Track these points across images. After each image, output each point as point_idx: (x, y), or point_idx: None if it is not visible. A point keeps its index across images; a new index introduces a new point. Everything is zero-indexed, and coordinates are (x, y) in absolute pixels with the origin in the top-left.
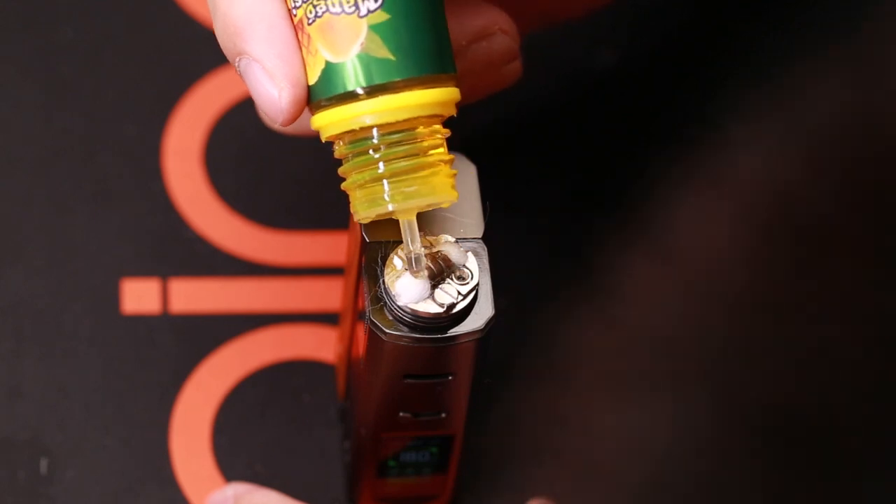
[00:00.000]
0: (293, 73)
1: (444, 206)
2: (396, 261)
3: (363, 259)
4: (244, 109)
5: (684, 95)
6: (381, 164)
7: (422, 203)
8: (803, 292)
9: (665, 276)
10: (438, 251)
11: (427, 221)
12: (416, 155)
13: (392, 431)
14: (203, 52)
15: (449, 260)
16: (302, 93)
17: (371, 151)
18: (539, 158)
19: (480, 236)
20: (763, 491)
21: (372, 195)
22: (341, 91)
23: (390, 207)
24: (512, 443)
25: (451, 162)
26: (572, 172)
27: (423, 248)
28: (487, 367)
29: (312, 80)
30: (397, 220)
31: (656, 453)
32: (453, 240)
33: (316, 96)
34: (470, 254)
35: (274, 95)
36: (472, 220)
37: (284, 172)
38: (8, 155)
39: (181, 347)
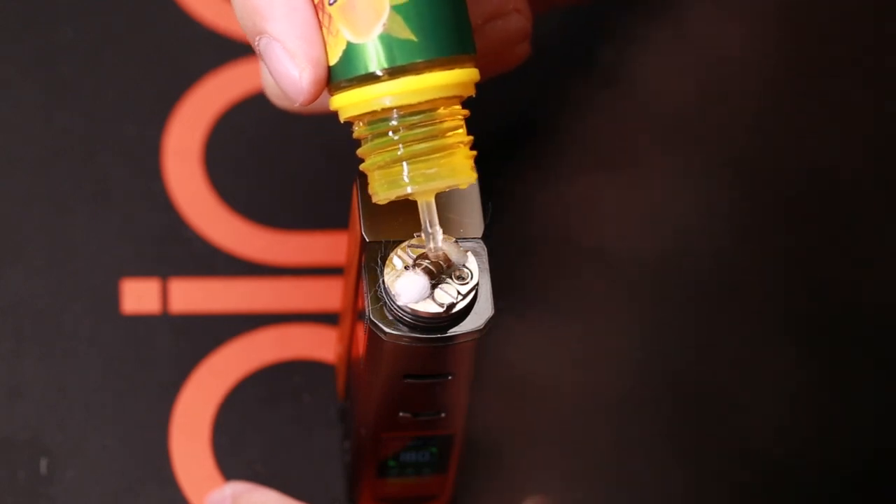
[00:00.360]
0: (314, 54)
1: (461, 186)
2: (396, 260)
3: (363, 259)
4: (244, 109)
5: (689, 94)
6: (400, 146)
7: (441, 185)
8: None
9: (666, 276)
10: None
11: None
12: (436, 137)
13: (392, 431)
14: (203, 52)
15: (449, 260)
16: (323, 73)
17: (391, 133)
18: (540, 158)
19: (480, 236)
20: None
21: (391, 177)
22: (363, 72)
23: (409, 189)
24: (512, 443)
25: (469, 143)
26: (573, 171)
27: (440, 230)
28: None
29: (333, 61)
30: (398, 218)
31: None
32: (453, 239)
33: (336, 77)
34: (470, 254)
35: (295, 75)
36: (472, 220)
37: (284, 172)
38: (8, 155)
39: (181, 347)
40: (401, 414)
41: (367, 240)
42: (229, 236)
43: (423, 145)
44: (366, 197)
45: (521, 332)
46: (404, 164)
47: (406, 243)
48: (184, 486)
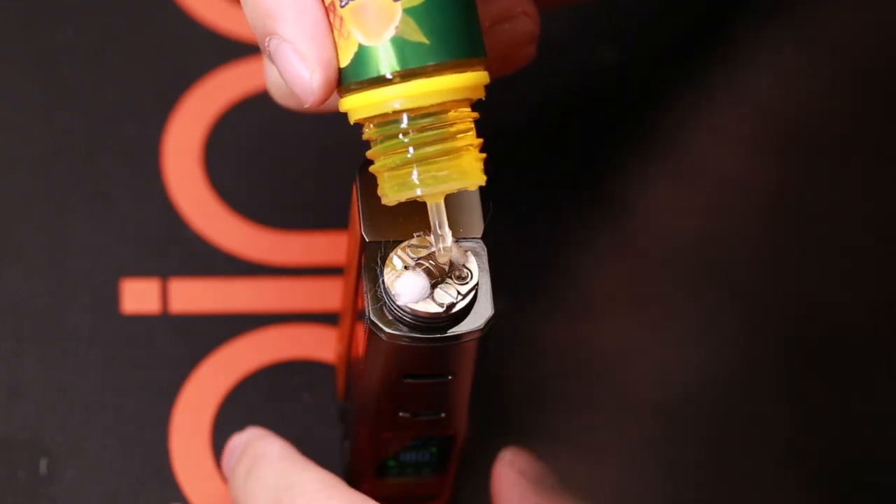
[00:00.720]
0: (325, 56)
1: (470, 188)
2: (396, 260)
3: (363, 259)
4: (244, 109)
5: (688, 96)
6: (410, 149)
7: (451, 188)
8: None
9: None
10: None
11: (427, 221)
12: (446, 139)
13: (392, 431)
14: (203, 52)
15: (449, 259)
16: (333, 75)
17: (401, 136)
18: (539, 158)
19: (480, 236)
20: (789, 398)
21: (401, 179)
22: (374, 75)
23: (419, 192)
24: (512, 442)
25: (479, 145)
26: (573, 171)
27: (450, 233)
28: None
29: (344, 63)
30: (397, 218)
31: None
32: (454, 239)
33: (346, 79)
34: (470, 253)
35: (305, 77)
36: (472, 220)
37: (284, 172)
38: (8, 155)
39: (181, 347)
40: (400, 414)
41: (367, 240)
42: (229, 236)
43: (433, 148)
44: (366, 197)
45: None
46: (414, 166)
47: (406, 243)
48: (184, 485)
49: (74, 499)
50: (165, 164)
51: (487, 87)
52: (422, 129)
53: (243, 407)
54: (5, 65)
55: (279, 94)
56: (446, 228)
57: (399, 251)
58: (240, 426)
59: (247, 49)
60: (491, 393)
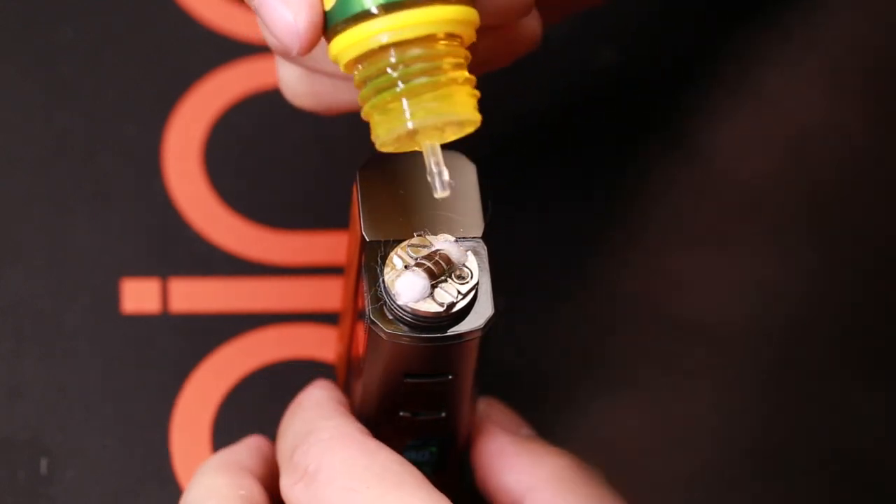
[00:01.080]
0: None
1: (468, 130)
2: (396, 260)
3: (363, 258)
4: (244, 109)
5: (689, 95)
6: (399, 83)
7: (443, 119)
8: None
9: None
10: (438, 250)
11: (426, 220)
12: (436, 71)
13: (392, 431)
14: (203, 51)
15: (449, 259)
16: (318, 17)
17: (389, 70)
18: (539, 157)
19: (480, 235)
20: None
21: (392, 115)
22: (357, 10)
23: (410, 125)
24: None
25: (473, 82)
26: (574, 171)
27: (447, 171)
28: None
29: (328, 6)
30: (398, 216)
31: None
32: (453, 239)
33: (332, 20)
34: (470, 253)
35: (290, 20)
36: (472, 220)
37: (284, 172)
38: (8, 155)
39: (181, 347)
40: (401, 413)
41: (367, 239)
42: (229, 236)
43: (422, 80)
44: (366, 196)
45: None
46: (404, 101)
47: (406, 243)
48: (184, 485)
49: (75, 499)
50: (166, 164)
51: (488, 85)
52: (410, 62)
53: (243, 407)
54: (5, 64)
55: (291, 94)
56: (443, 168)
57: (399, 250)
58: (240, 426)
59: (247, 49)
60: (492, 392)
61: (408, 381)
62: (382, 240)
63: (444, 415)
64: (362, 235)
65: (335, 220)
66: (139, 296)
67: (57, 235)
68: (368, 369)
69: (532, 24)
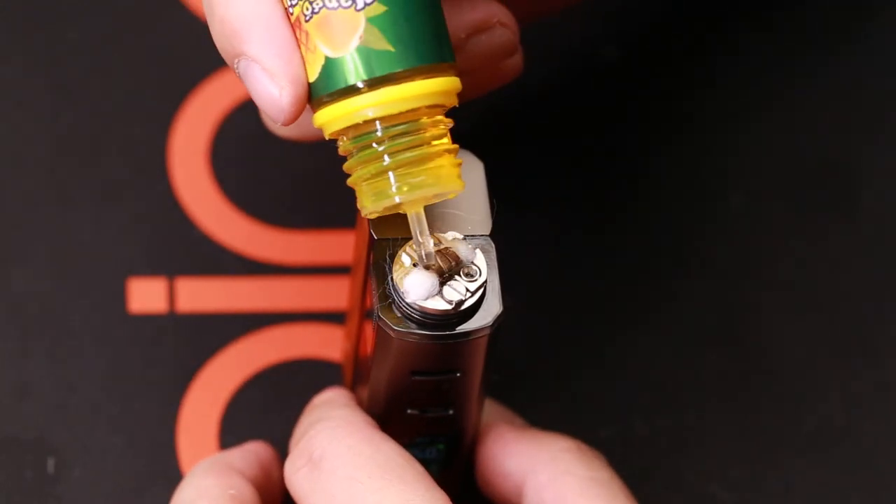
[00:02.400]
0: (293, 71)
1: (450, 196)
2: (405, 258)
3: (371, 257)
4: (250, 109)
5: (691, 90)
6: (385, 157)
7: (428, 193)
8: None
9: (671, 267)
10: (447, 248)
11: (435, 218)
12: (421, 146)
13: (400, 428)
14: (208, 51)
15: (457, 257)
16: (302, 91)
17: (375, 144)
18: (546, 154)
19: (488, 233)
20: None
21: (378, 188)
22: (342, 85)
23: (397, 199)
24: None
25: (455, 151)
26: (580, 167)
27: (432, 240)
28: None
29: (312, 78)
30: (405, 216)
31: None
32: (461, 237)
33: (317, 93)
34: (478, 251)
35: (275, 94)
36: (480, 217)
37: (290, 171)
38: (14, 155)
39: (188, 347)
40: (408, 411)
41: (376, 237)
42: (236, 235)
43: (407, 154)
44: None
45: None
46: (390, 174)
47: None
48: None
49: (81, 498)
50: (172, 164)
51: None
52: (395, 137)
53: (250, 406)
54: (11, 65)
55: (272, 124)
56: (427, 237)
57: (408, 248)
58: (247, 425)
59: None
60: (500, 390)
61: (416, 378)
62: (391, 238)
63: (451, 412)
64: (370, 234)
65: (342, 219)
66: (146, 295)
67: (63, 235)
68: (376, 367)
69: (516, 59)
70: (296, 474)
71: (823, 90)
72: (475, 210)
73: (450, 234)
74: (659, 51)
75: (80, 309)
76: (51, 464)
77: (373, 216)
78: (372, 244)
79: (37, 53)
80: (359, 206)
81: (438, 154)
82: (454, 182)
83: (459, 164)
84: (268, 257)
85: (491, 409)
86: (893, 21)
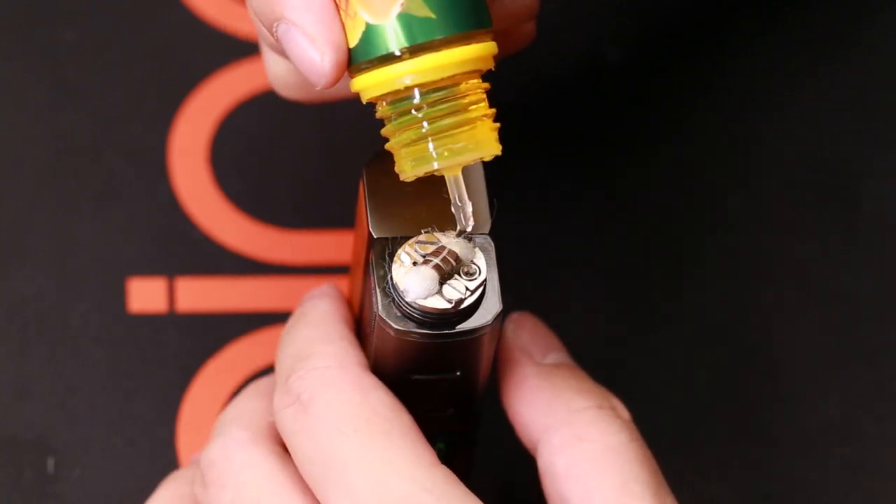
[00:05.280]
0: (334, 37)
1: (487, 158)
2: (404, 257)
3: (371, 255)
4: (250, 108)
5: (692, 91)
6: (424, 123)
7: (468, 158)
8: None
9: (671, 267)
10: (446, 247)
11: (434, 217)
12: (459, 111)
13: None
14: (208, 51)
15: (457, 255)
16: (343, 56)
17: (414, 111)
18: (546, 153)
19: (488, 232)
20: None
21: (418, 154)
22: (383, 52)
23: (436, 165)
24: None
25: (492, 115)
26: (580, 167)
27: (470, 204)
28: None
29: (352, 43)
30: (404, 214)
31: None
32: (461, 235)
33: (356, 59)
34: (478, 249)
35: (316, 59)
36: (480, 216)
37: (290, 171)
38: (14, 155)
39: (188, 346)
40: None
41: (375, 236)
42: (236, 235)
43: (447, 121)
44: (373, 193)
45: None
46: (429, 140)
47: (414, 239)
48: None
49: (81, 498)
50: (172, 163)
51: (491, 79)
52: (434, 103)
53: None
54: (11, 65)
55: (280, 85)
56: (467, 201)
57: (407, 247)
58: None
59: (253, 48)
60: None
61: (416, 378)
62: (390, 237)
63: (451, 411)
64: (370, 232)
65: (342, 219)
66: (146, 295)
67: (63, 235)
68: (376, 366)
69: (529, 24)
70: (283, 411)
71: (823, 90)
72: (475, 209)
73: (449, 233)
74: (659, 51)
75: (80, 309)
76: (51, 464)
77: (411, 179)
78: (371, 243)
79: (37, 53)
80: (397, 169)
81: (477, 119)
82: (492, 146)
83: (497, 128)
84: (267, 257)
85: (523, 335)
86: (893, 21)
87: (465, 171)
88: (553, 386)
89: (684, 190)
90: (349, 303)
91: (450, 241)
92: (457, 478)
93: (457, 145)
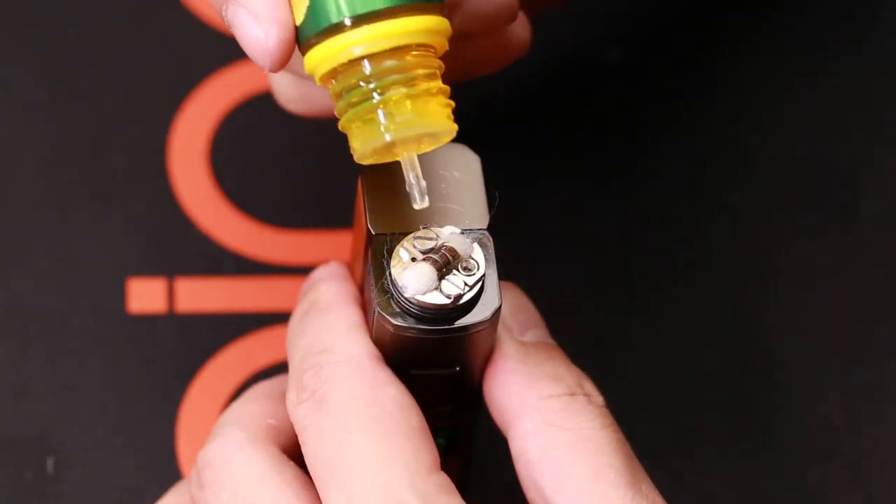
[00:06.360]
0: (278, 14)
1: (443, 140)
2: (403, 253)
3: (369, 252)
4: (249, 108)
5: (692, 91)
6: (374, 94)
7: (419, 131)
8: None
9: (671, 267)
10: (444, 242)
11: (432, 213)
12: (410, 83)
13: None
14: (208, 51)
15: (455, 251)
16: (288, 34)
17: (362, 83)
18: (546, 153)
19: (486, 227)
20: None
21: (368, 128)
22: (326, 24)
23: (388, 138)
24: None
25: (447, 93)
26: (579, 166)
27: (424, 182)
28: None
29: (299, 21)
30: (403, 211)
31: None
32: (459, 231)
33: (304, 35)
34: (476, 244)
35: (261, 37)
36: (478, 211)
37: (290, 171)
38: (13, 155)
39: (187, 347)
40: None
41: (373, 232)
42: (235, 235)
43: (397, 91)
44: (371, 189)
45: None
46: (379, 111)
47: (412, 235)
48: None
49: (81, 498)
50: (171, 164)
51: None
52: (384, 74)
53: None
54: (10, 64)
55: (284, 100)
56: (422, 180)
57: (405, 243)
58: None
59: None
60: None
61: (415, 373)
62: (388, 233)
63: (451, 407)
64: (368, 229)
65: (341, 219)
66: (145, 295)
67: (62, 235)
68: None
69: (520, 32)
70: (298, 406)
71: (823, 90)
72: (472, 204)
73: (447, 229)
74: (659, 51)
75: (80, 309)
76: (51, 464)
77: (365, 160)
78: (370, 239)
79: (37, 53)
80: (351, 150)
81: (429, 93)
82: (445, 122)
83: (451, 107)
84: (267, 257)
85: (504, 309)
86: (893, 21)
87: (461, 165)
88: (527, 370)
89: (684, 189)
90: None
91: (448, 236)
92: (453, 485)
93: (406, 116)
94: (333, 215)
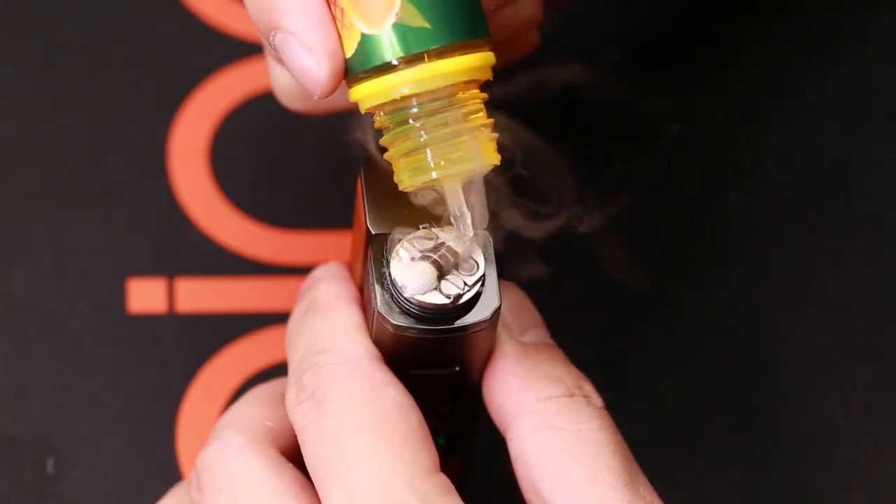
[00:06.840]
0: (330, 46)
1: (486, 171)
2: (402, 252)
3: (369, 251)
4: (250, 109)
5: (692, 91)
6: (422, 133)
7: (465, 168)
8: None
9: (671, 267)
10: (444, 242)
11: (432, 213)
12: (457, 121)
13: None
14: (208, 51)
15: (455, 251)
16: (340, 65)
17: (411, 121)
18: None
19: (486, 227)
20: None
21: (416, 164)
22: (378, 62)
23: (434, 175)
24: None
25: (490, 125)
26: (579, 166)
27: (469, 215)
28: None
29: (349, 53)
30: (402, 211)
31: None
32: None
33: (353, 69)
34: (476, 245)
35: (312, 68)
36: (478, 212)
37: (290, 171)
38: (14, 155)
39: (187, 347)
40: None
41: (373, 232)
42: (235, 236)
43: (444, 130)
44: (371, 189)
45: None
46: (427, 150)
47: (412, 235)
48: None
49: (81, 498)
50: (171, 164)
51: (494, 77)
52: (432, 113)
53: None
54: (10, 64)
55: (285, 96)
56: (466, 211)
57: (405, 243)
58: None
59: (252, 48)
60: None
61: (414, 373)
62: (388, 233)
63: (450, 406)
64: (368, 229)
65: (341, 219)
66: (145, 296)
67: (63, 235)
68: None
69: (534, 32)
70: (297, 406)
71: (824, 90)
72: (473, 205)
73: (447, 229)
74: (659, 51)
75: (80, 309)
76: (51, 464)
77: (410, 189)
78: (370, 239)
79: (36, 54)
80: (396, 179)
81: (474, 129)
82: (491, 156)
83: (496, 139)
84: (267, 257)
85: (504, 310)
86: (893, 21)
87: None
88: (526, 371)
89: (684, 190)
90: None
91: (448, 236)
92: (452, 486)
93: (454, 155)
94: (333, 215)
